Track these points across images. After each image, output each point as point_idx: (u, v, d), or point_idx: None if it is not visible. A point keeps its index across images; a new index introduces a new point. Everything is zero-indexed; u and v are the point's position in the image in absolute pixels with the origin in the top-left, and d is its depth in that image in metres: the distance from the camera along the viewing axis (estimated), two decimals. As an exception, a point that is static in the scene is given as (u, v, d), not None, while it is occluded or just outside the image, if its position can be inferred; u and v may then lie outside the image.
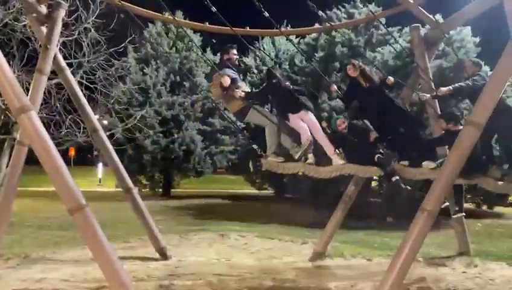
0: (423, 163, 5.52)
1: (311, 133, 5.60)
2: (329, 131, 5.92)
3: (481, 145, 5.38)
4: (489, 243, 9.16)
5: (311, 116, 5.76)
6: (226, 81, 5.67)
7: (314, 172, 5.65)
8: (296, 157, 5.61)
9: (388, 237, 9.62)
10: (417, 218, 4.58)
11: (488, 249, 8.41)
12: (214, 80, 5.96)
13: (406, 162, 5.64)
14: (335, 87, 6.37)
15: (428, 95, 6.42)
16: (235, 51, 6.10)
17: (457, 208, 6.90)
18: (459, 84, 5.94)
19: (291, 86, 5.88)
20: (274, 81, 5.85)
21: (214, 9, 5.75)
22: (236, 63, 6.14)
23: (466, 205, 13.35)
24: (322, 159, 5.68)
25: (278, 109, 5.92)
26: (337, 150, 5.70)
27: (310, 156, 5.61)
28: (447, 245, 8.53)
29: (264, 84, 6.08)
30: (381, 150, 5.78)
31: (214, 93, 6.11)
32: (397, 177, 5.47)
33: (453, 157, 4.73)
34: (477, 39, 12.81)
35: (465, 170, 4.81)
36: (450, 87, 5.92)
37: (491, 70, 8.84)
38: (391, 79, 5.79)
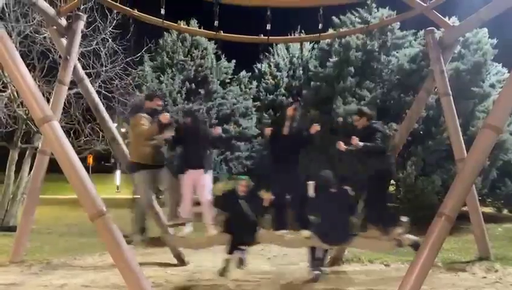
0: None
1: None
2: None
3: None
4: (510, 247, 8.96)
5: (203, 177, 5.68)
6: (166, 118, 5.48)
7: (187, 245, 5.92)
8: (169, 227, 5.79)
9: (406, 242, 9.49)
10: (435, 222, 4.55)
11: (509, 253, 8.23)
12: (135, 119, 5.64)
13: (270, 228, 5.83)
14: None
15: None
16: (159, 101, 5.98)
17: None
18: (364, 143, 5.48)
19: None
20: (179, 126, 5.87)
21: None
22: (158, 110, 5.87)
23: (486, 209, 13.15)
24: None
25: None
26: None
27: (190, 225, 5.72)
28: (467, 250, 8.40)
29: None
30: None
31: (141, 132, 5.62)
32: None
33: (471, 160, 4.69)
34: (495, 41, 12.64)
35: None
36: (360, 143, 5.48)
37: (508, 72, 8.74)
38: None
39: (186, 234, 5.76)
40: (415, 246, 5.18)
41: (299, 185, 5.73)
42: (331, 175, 5.69)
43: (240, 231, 5.65)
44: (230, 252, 5.77)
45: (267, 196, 5.73)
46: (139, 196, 5.76)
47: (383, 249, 5.60)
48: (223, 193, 6.02)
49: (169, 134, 5.66)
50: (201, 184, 5.69)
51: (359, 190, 5.71)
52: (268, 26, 5.98)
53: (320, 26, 6.31)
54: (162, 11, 5.72)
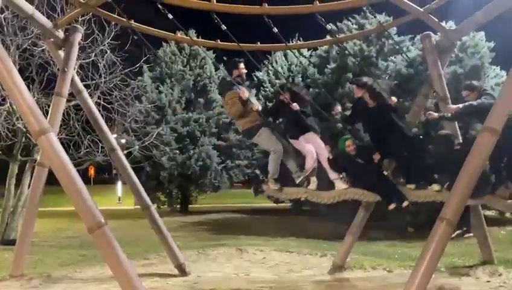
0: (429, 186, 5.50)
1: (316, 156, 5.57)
2: (331, 155, 5.79)
3: (490, 165, 5.29)
4: (513, 251, 8.91)
5: (317, 139, 5.74)
6: (245, 94, 5.62)
7: (316, 197, 5.65)
8: (298, 181, 5.60)
9: (409, 248, 9.45)
10: (436, 227, 4.51)
11: (513, 257, 8.18)
12: (229, 96, 5.78)
13: (412, 186, 5.63)
14: (339, 108, 6.32)
15: (436, 114, 6.33)
16: (243, 65, 6.01)
17: (465, 228, 6.43)
18: (469, 102, 5.73)
19: (298, 107, 5.76)
20: (282, 100, 5.87)
21: (223, 27, 5.81)
22: (245, 77, 6.08)
23: (489, 213, 13.06)
24: (326, 183, 5.67)
25: (285, 129, 5.94)
26: (341, 174, 5.66)
27: (313, 179, 5.59)
28: (470, 254, 8.34)
29: (274, 103, 6.08)
30: (385, 173, 5.80)
31: (231, 110, 5.84)
32: (407, 203, 5.45)
33: (470, 165, 4.66)
34: (492, 44, 12.67)
35: (473, 190, 4.71)
36: (460, 105, 5.80)
37: (506, 74, 8.74)
38: (394, 100, 5.77)
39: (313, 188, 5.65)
40: None
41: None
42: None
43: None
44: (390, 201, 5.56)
45: (376, 156, 5.77)
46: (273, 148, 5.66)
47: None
48: (336, 154, 5.83)
49: (257, 105, 5.76)
50: (320, 144, 5.72)
51: None
52: (275, 30, 5.97)
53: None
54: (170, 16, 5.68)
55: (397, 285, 5.94)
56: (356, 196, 5.65)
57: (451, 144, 5.82)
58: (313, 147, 5.65)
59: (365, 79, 6.15)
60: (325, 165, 5.65)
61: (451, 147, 5.78)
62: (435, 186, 5.47)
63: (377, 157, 5.78)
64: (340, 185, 5.58)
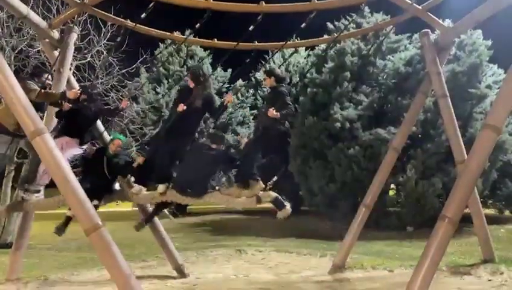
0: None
1: None
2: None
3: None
4: (514, 249, 8.89)
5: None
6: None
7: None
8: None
9: (409, 247, 9.40)
10: (438, 226, 4.45)
11: (514, 255, 8.15)
12: None
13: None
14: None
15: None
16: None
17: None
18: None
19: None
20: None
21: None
22: None
23: (488, 211, 13.07)
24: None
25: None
26: None
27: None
28: (471, 253, 8.30)
29: None
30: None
31: None
32: None
33: (471, 162, 4.61)
34: (489, 42, 12.66)
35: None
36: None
37: (505, 73, 8.72)
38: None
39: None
40: (277, 203, 4.86)
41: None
42: (215, 135, 5.56)
43: (92, 187, 5.45)
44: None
45: (139, 159, 5.65)
46: None
47: (240, 205, 5.28)
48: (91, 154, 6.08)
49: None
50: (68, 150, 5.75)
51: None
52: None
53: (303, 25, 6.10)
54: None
55: (398, 284, 5.89)
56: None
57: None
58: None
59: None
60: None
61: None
62: (161, 187, 5.35)
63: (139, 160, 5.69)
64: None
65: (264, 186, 5.04)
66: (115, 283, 4.17)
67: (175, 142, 5.43)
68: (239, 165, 5.31)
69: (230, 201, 5.24)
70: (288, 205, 4.92)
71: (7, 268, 6.82)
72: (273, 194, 5.00)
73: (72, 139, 5.86)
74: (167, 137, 5.44)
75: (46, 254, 9.66)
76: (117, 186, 6.18)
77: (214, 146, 5.37)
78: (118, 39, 7.18)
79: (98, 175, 5.83)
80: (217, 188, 5.46)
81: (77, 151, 6.04)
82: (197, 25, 6.05)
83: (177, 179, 5.42)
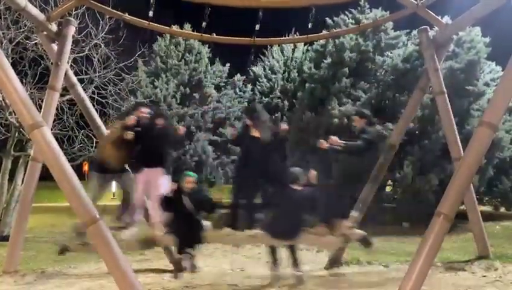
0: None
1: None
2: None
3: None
4: (508, 245, 8.94)
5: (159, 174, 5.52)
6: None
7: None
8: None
9: (405, 243, 9.45)
10: (433, 222, 4.49)
11: (508, 251, 8.21)
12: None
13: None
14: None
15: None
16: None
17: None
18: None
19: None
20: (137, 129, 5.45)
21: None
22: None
23: (484, 208, 13.14)
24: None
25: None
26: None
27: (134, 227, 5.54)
28: (466, 249, 8.36)
29: None
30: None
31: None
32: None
33: (468, 159, 4.64)
34: (487, 39, 12.66)
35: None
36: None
37: (502, 70, 8.74)
38: None
39: (127, 236, 5.45)
40: (364, 242, 4.96)
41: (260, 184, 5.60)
42: (296, 173, 5.44)
43: (183, 231, 5.41)
44: (179, 252, 5.55)
45: (217, 195, 5.56)
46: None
47: (330, 246, 5.33)
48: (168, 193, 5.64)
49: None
50: (156, 183, 5.53)
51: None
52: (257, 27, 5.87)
53: (310, 25, 6.17)
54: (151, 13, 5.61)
55: (394, 280, 5.94)
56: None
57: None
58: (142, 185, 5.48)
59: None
60: (151, 205, 5.53)
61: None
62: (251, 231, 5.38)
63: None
64: (158, 229, 5.47)
65: (350, 224, 5.09)
66: (112, 276, 4.19)
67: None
68: (327, 205, 5.25)
69: (318, 242, 5.33)
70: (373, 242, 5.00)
71: (4, 260, 6.83)
72: (361, 232, 5.09)
73: (156, 168, 5.54)
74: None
75: (43, 246, 9.65)
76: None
77: (295, 187, 5.32)
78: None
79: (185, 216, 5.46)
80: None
81: (167, 181, 5.65)
82: (203, 24, 6.02)
83: (269, 224, 5.42)
